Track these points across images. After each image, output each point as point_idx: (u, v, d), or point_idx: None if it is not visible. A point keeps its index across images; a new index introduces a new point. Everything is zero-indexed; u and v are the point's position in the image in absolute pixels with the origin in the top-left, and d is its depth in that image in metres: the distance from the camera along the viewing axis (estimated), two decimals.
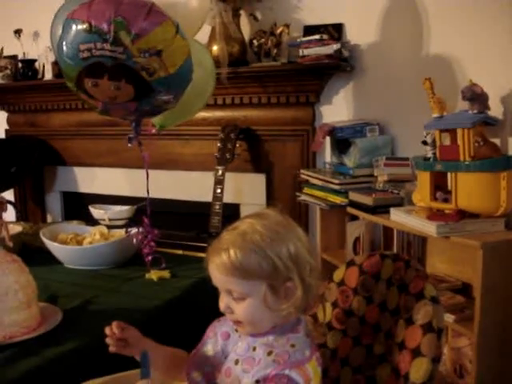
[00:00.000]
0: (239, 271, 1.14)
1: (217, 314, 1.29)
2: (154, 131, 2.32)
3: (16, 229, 2.51)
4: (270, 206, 1.28)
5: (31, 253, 2.32)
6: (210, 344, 1.29)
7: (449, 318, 1.94)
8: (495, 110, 2.14)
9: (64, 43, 1.84)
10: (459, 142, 1.95)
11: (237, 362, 1.21)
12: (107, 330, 1.28)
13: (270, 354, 1.16)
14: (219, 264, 1.16)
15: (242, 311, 1.17)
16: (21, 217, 4.03)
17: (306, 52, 2.72)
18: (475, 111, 1.98)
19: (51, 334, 1.67)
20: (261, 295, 1.16)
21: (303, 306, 1.20)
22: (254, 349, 1.20)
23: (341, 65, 2.75)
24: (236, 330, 1.25)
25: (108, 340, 1.27)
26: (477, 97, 1.99)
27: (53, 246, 2.34)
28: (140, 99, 1.91)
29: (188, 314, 1.98)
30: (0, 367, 1.47)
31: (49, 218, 4.07)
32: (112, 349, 1.27)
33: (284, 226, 1.20)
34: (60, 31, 1.89)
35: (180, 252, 2.75)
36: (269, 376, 1.12)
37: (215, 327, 1.31)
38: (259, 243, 1.14)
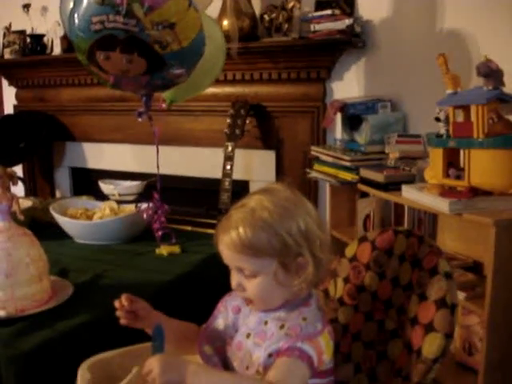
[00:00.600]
0: (249, 249, 1.14)
1: (227, 288, 1.30)
2: (164, 106, 2.30)
3: (26, 204, 2.51)
4: (277, 181, 1.27)
5: (41, 228, 2.32)
6: (221, 318, 1.30)
7: (459, 295, 1.93)
8: (510, 86, 2.11)
9: (76, 15, 1.82)
10: (473, 118, 1.92)
11: (248, 336, 1.22)
12: (116, 303, 1.28)
13: (281, 327, 1.16)
14: (229, 242, 1.15)
15: (253, 288, 1.17)
16: (30, 192, 4.05)
17: (318, 27, 2.69)
18: (490, 87, 1.95)
19: (62, 308, 1.68)
20: (272, 272, 1.16)
21: (315, 280, 1.19)
22: (266, 323, 1.20)
23: (353, 40, 2.72)
24: (247, 304, 1.25)
25: (118, 313, 1.27)
26: (492, 73, 1.96)
27: (63, 221, 2.34)
28: (152, 73, 1.89)
29: (198, 288, 1.98)
30: (12, 339, 1.49)
31: (57, 194, 4.08)
32: (123, 321, 1.27)
33: (293, 201, 1.19)
34: (70, 5, 1.87)
35: (189, 228, 2.76)
36: (281, 349, 1.12)
37: (226, 301, 1.32)
38: (268, 220, 1.14)
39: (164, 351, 1.17)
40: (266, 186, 1.25)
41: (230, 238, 1.15)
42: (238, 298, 1.28)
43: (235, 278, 1.20)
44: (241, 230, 1.13)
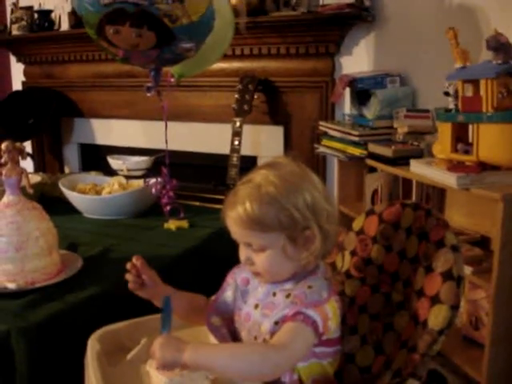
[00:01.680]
0: (257, 224, 1.14)
1: (234, 262, 1.31)
2: (172, 80, 2.30)
3: (35, 179, 2.52)
4: (283, 155, 1.27)
5: (50, 202, 2.33)
6: (230, 290, 1.31)
7: (466, 270, 1.93)
8: None
9: None
10: (482, 92, 1.91)
11: (256, 307, 1.23)
12: (128, 265, 1.29)
13: (288, 296, 1.18)
14: (236, 218, 1.16)
15: (262, 262, 1.18)
16: (39, 168, 4.06)
17: (327, 1, 2.68)
18: (499, 61, 1.93)
19: (72, 281, 1.69)
20: (280, 246, 1.17)
21: (322, 252, 1.20)
22: (275, 294, 1.22)
23: (362, 14, 2.69)
24: (256, 277, 1.26)
25: (127, 276, 1.29)
26: (501, 47, 1.94)
27: (72, 196, 2.36)
28: (162, 47, 1.88)
29: (206, 262, 1.99)
30: (22, 311, 1.50)
31: (66, 170, 4.10)
32: (130, 285, 1.29)
33: (298, 174, 1.19)
34: None
35: (197, 204, 2.77)
36: (286, 316, 1.13)
37: (235, 273, 1.33)
38: (275, 195, 1.14)
39: (171, 324, 1.18)
40: (272, 160, 1.25)
41: (237, 214, 1.15)
42: (247, 270, 1.29)
43: (244, 253, 1.21)
44: (247, 205, 1.14)
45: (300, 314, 1.12)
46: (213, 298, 1.34)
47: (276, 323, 1.15)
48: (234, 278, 1.32)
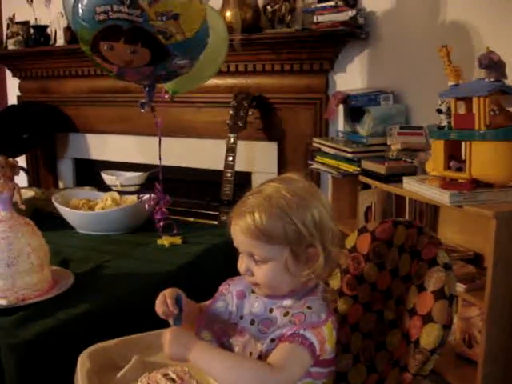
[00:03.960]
0: (263, 235, 1.14)
1: (228, 278, 1.31)
2: (167, 97, 2.30)
3: (28, 194, 2.51)
4: (292, 171, 1.27)
5: (43, 218, 2.32)
6: (222, 301, 1.29)
7: (460, 287, 1.94)
8: None
9: (80, 5, 1.81)
10: (475, 110, 1.92)
11: (252, 323, 1.22)
12: (166, 309, 1.23)
13: (286, 314, 1.17)
14: (243, 227, 1.15)
15: (262, 274, 1.18)
16: (33, 183, 4.06)
17: (321, 18, 2.69)
18: (492, 79, 1.95)
19: (63, 297, 1.68)
20: (283, 260, 1.16)
21: (323, 272, 1.20)
22: (271, 310, 1.21)
23: (355, 32, 2.71)
24: (253, 291, 1.26)
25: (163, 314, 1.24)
26: (494, 64, 1.95)
27: (65, 211, 2.35)
28: (156, 63, 1.89)
29: (199, 278, 1.98)
30: (13, 328, 1.49)
31: (61, 185, 4.10)
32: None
33: (309, 191, 1.20)
34: None
35: (191, 220, 2.76)
36: (284, 335, 1.12)
37: (229, 285, 1.31)
38: (285, 208, 1.14)
39: (181, 319, 1.20)
40: (284, 175, 1.26)
41: (245, 223, 1.15)
42: (242, 283, 1.28)
43: (245, 263, 1.20)
44: (256, 215, 1.14)
45: (298, 335, 1.11)
46: (203, 310, 1.31)
47: (272, 340, 1.14)
48: (229, 290, 1.30)
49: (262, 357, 1.15)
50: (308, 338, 1.11)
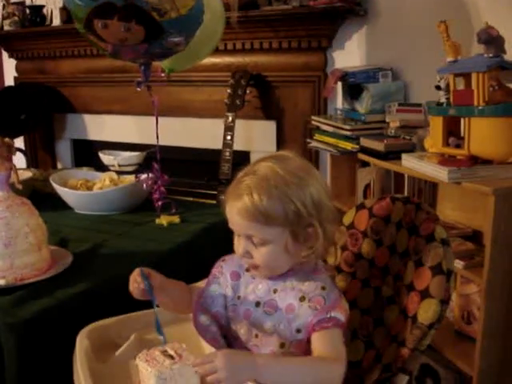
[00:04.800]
0: (263, 217, 1.12)
1: None
2: (163, 75, 2.29)
3: (26, 175, 2.51)
4: (285, 149, 1.26)
5: (41, 198, 2.31)
6: (217, 284, 1.28)
7: (458, 264, 1.93)
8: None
9: None
10: (473, 86, 1.90)
11: (258, 305, 1.21)
12: (134, 282, 1.25)
13: (302, 299, 1.16)
14: (241, 208, 1.13)
15: (262, 257, 1.16)
16: (31, 164, 4.05)
17: None
18: (491, 55, 1.93)
19: (62, 276, 1.68)
20: (283, 241, 1.15)
21: (322, 250, 1.19)
22: (275, 291, 1.20)
23: (354, 8, 2.69)
24: (247, 270, 1.25)
25: (134, 291, 1.25)
26: (492, 40, 1.93)
27: (63, 192, 2.34)
28: (150, 41, 1.87)
29: (198, 257, 1.98)
30: (11, 308, 1.49)
31: (59, 166, 4.09)
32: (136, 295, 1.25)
33: (305, 169, 1.18)
34: None
35: (189, 199, 2.75)
36: (311, 323, 1.12)
37: (222, 267, 1.30)
38: (284, 188, 1.12)
39: (154, 295, 1.20)
40: (276, 153, 1.24)
41: (243, 204, 1.12)
42: (236, 264, 1.27)
43: (242, 245, 1.17)
44: (255, 196, 1.11)
45: (329, 320, 1.12)
46: (198, 294, 1.29)
47: (298, 331, 1.14)
48: (222, 272, 1.29)
49: (286, 345, 1.15)
50: (338, 319, 1.12)
